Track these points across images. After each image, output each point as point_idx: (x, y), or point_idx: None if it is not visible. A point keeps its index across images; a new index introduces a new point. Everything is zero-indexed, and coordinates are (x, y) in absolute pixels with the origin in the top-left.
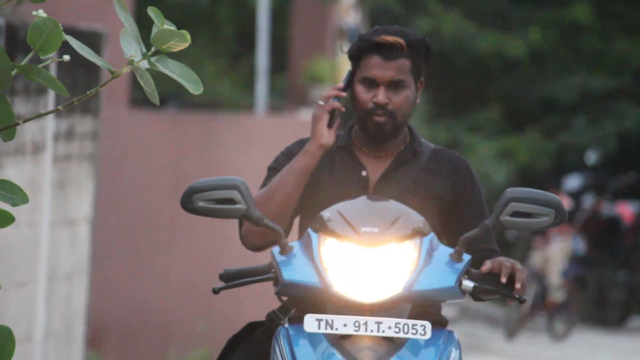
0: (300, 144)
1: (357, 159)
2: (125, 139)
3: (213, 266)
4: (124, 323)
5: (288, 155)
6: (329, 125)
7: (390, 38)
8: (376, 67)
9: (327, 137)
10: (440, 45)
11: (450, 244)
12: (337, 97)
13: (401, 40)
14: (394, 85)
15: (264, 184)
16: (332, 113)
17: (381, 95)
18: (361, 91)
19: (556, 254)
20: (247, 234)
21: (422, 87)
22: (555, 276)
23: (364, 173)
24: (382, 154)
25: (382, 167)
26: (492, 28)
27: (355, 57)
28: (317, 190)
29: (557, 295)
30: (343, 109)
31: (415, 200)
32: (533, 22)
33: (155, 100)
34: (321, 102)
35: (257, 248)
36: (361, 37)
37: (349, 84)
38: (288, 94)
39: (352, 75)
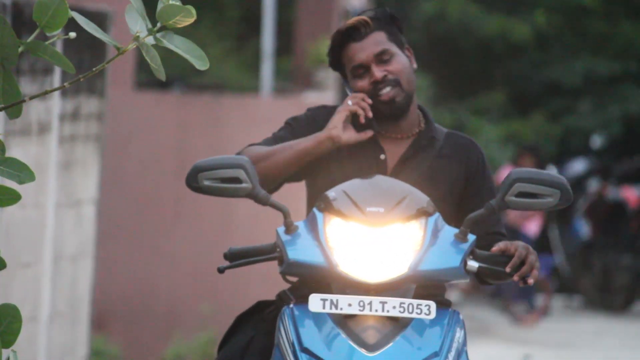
0: (324, 109)
1: (377, 141)
2: (131, 121)
3: (218, 247)
4: (128, 304)
5: (308, 118)
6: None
7: (351, 20)
8: (355, 52)
9: (339, 130)
10: (445, 29)
11: (459, 227)
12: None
13: (363, 18)
14: (380, 57)
15: (274, 135)
16: (354, 115)
17: (376, 72)
18: (358, 82)
19: None
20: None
21: (412, 54)
22: None
23: (382, 156)
24: (399, 136)
25: (399, 150)
26: (498, 11)
27: (336, 60)
28: (335, 168)
29: None
30: (370, 114)
31: (431, 186)
32: (538, 6)
33: (162, 76)
34: (349, 102)
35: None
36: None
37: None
38: (293, 76)
39: (346, 81)
